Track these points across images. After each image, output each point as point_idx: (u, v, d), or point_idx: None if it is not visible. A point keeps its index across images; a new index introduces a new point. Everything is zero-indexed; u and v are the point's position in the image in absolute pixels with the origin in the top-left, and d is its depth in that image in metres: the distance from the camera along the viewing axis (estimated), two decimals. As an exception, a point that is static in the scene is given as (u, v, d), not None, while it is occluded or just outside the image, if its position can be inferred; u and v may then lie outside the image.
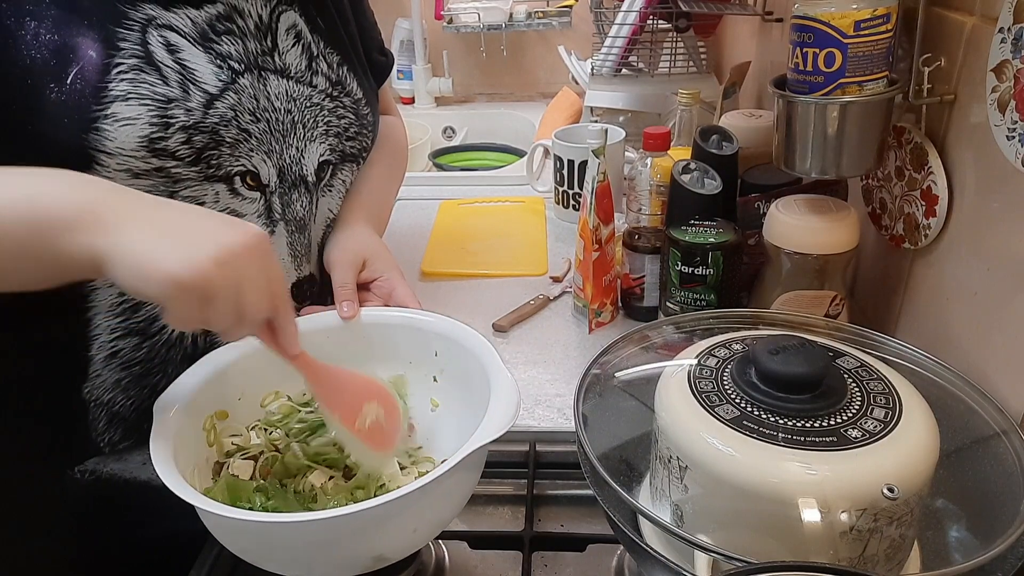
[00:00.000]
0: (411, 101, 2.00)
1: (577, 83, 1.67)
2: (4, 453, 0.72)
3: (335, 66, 0.77)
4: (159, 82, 0.63)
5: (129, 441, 0.74)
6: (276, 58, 0.71)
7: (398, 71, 1.99)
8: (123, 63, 0.61)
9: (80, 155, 0.60)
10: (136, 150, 0.61)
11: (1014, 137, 0.57)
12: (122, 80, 0.61)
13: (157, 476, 0.77)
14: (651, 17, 1.47)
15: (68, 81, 0.59)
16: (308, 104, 0.74)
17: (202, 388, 0.62)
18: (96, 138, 0.60)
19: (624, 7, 1.49)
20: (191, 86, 0.64)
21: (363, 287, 0.76)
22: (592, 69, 1.55)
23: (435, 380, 0.71)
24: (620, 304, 1.00)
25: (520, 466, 0.75)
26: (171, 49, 0.64)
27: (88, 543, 0.78)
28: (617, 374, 0.64)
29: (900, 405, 0.50)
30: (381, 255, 0.78)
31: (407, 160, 1.03)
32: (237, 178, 0.69)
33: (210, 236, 0.50)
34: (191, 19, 0.65)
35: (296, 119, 0.73)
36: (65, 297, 0.60)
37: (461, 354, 0.67)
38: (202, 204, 0.67)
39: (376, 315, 0.72)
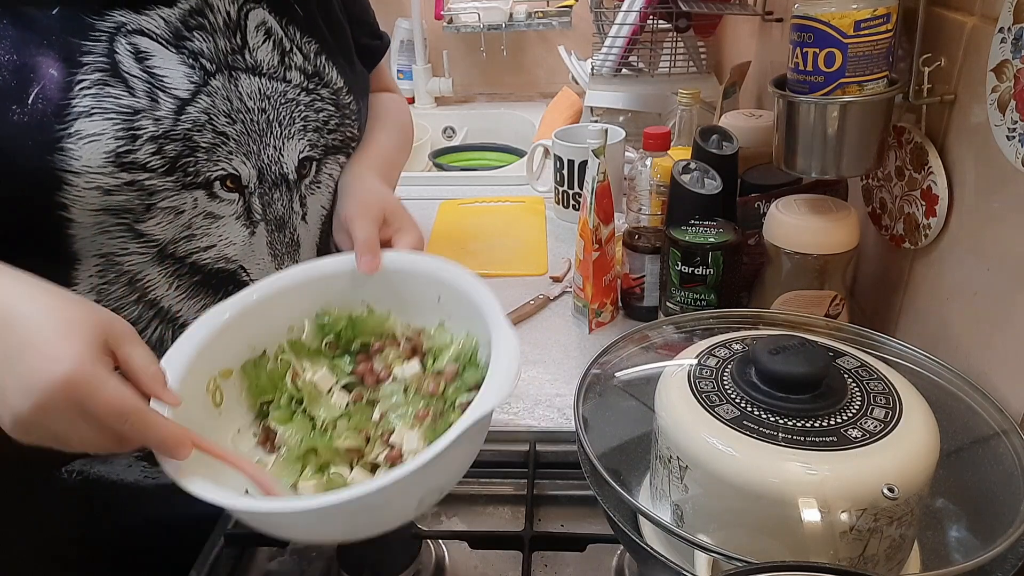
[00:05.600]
0: (411, 101, 2.00)
1: (577, 83, 1.67)
2: None
3: (312, 56, 0.75)
4: (124, 94, 0.61)
5: None
6: (247, 55, 0.70)
7: (398, 71, 2.00)
8: (86, 79, 0.60)
9: (46, 177, 0.59)
10: (103, 166, 0.60)
11: (1014, 137, 0.57)
12: (85, 96, 0.60)
13: (144, 478, 0.76)
14: (651, 17, 1.47)
15: (30, 102, 0.58)
16: (283, 100, 0.72)
17: (200, 352, 0.60)
18: (61, 158, 0.59)
19: (624, 7, 1.49)
20: (160, 93, 0.63)
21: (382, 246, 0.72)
22: (592, 69, 1.55)
23: (442, 326, 0.68)
24: (620, 304, 1.00)
25: (520, 466, 0.75)
26: (140, 57, 0.62)
27: (82, 544, 0.78)
28: (617, 374, 0.64)
29: (900, 405, 0.50)
30: (400, 212, 0.75)
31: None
32: (217, 182, 0.68)
33: (10, 401, 0.47)
34: (163, 19, 0.64)
35: (271, 117, 0.71)
36: None
37: (464, 303, 0.64)
38: (181, 213, 0.66)
39: (385, 258, 0.69)
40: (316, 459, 0.59)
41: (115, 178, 0.61)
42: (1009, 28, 0.57)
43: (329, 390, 0.64)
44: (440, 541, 0.69)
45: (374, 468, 0.59)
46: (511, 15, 1.94)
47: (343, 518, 0.51)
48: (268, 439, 0.62)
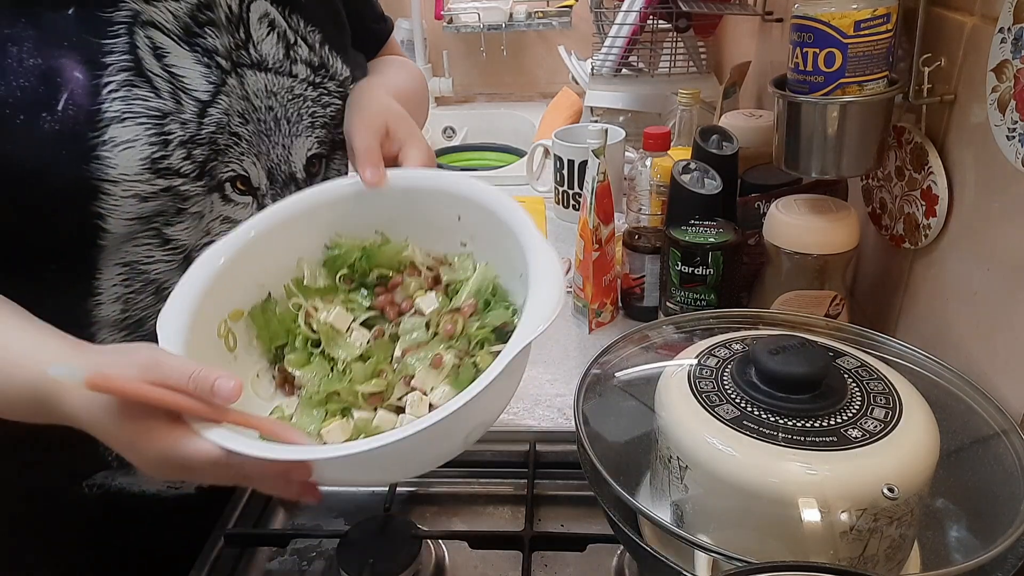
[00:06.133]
0: (411, 101, 2.00)
1: (577, 83, 1.67)
2: (13, 468, 0.72)
3: (317, 47, 0.73)
4: (151, 95, 0.60)
5: None
6: (251, 50, 0.67)
7: (398, 71, 1.99)
8: (112, 80, 0.58)
9: (83, 187, 0.58)
10: (140, 173, 0.59)
11: (1014, 137, 0.57)
12: (115, 100, 0.58)
13: (167, 488, 0.74)
14: (651, 17, 1.47)
15: (60, 108, 0.56)
16: (290, 97, 0.70)
17: (205, 296, 0.56)
18: (98, 167, 0.57)
19: (624, 7, 1.49)
20: (182, 95, 0.62)
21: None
22: (592, 69, 1.55)
23: (464, 246, 0.64)
24: (620, 304, 1.00)
25: (520, 466, 0.75)
26: (159, 54, 0.61)
27: (98, 555, 0.78)
28: (617, 374, 0.64)
29: (900, 405, 0.50)
30: (406, 123, 0.69)
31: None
32: (228, 184, 0.67)
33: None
34: (172, 13, 0.62)
35: (279, 115, 0.70)
36: (68, 313, 0.59)
37: (489, 221, 0.59)
38: (203, 217, 0.66)
39: (394, 176, 0.64)
40: (338, 402, 0.57)
41: (152, 185, 0.60)
42: (1009, 28, 0.57)
43: (347, 328, 0.61)
44: (440, 541, 0.69)
45: (398, 410, 0.57)
46: (511, 15, 1.94)
47: (388, 460, 0.49)
48: (287, 381, 0.60)
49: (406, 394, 0.57)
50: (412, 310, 0.61)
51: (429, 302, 0.61)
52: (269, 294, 0.62)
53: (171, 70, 0.62)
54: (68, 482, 0.73)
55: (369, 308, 0.63)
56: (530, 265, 0.53)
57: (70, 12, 0.57)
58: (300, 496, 0.51)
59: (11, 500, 0.73)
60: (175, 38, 0.62)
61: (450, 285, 0.63)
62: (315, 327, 0.61)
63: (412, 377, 0.57)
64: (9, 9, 0.56)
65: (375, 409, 0.57)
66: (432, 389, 0.57)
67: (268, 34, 0.69)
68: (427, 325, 0.60)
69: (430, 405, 0.56)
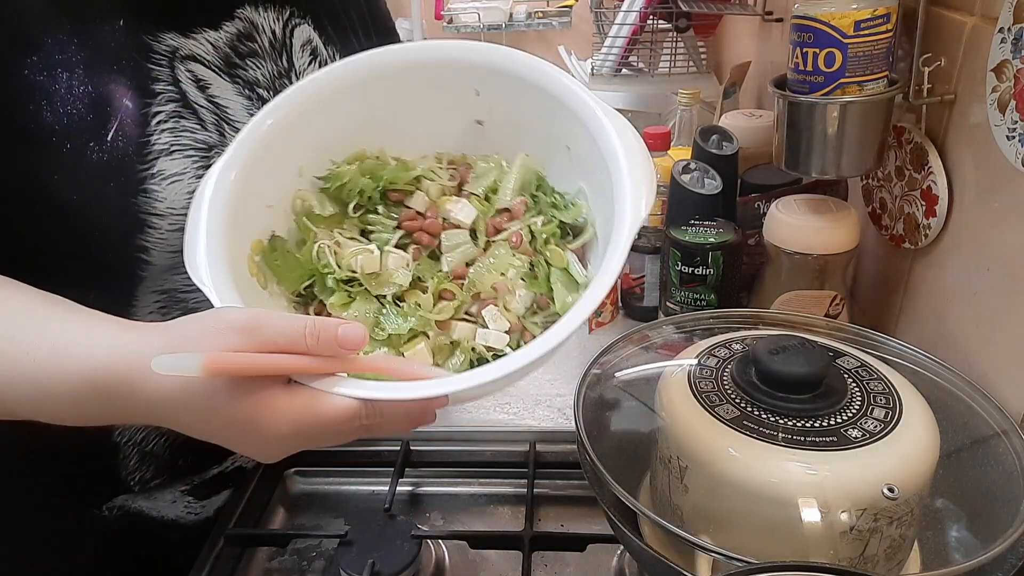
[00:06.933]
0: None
1: (577, 83, 1.67)
2: (31, 492, 0.71)
3: None
4: (198, 127, 0.59)
5: (161, 478, 0.72)
6: (293, 79, 0.66)
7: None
8: (161, 111, 0.57)
9: (129, 221, 0.56)
10: (186, 207, 0.56)
11: (1014, 137, 0.57)
12: (163, 131, 0.57)
13: (187, 514, 0.73)
14: (651, 17, 1.47)
15: (109, 139, 0.54)
16: None
17: (229, 240, 0.51)
18: (145, 200, 0.56)
19: (624, 7, 1.49)
20: (226, 127, 0.60)
21: None
22: (592, 69, 1.55)
23: (480, 124, 0.57)
24: (620, 304, 1.00)
25: (520, 466, 0.75)
26: (201, 85, 0.59)
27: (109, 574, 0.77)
28: (617, 374, 0.64)
29: (900, 405, 0.50)
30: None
31: None
32: None
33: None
34: (212, 44, 0.60)
35: None
36: None
37: (517, 91, 0.52)
38: None
39: (388, 56, 0.55)
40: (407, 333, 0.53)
41: None
42: (1009, 28, 0.57)
43: (382, 256, 0.55)
44: (440, 541, 0.69)
45: (468, 318, 0.54)
46: (511, 15, 1.94)
47: (513, 378, 0.47)
48: (327, 315, 0.55)
49: (474, 305, 0.53)
50: (439, 217, 0.56)
51: (464, 211, 0.55)
52: (273, 233, 0.56)
53: (215, 101, 0.60)
54: (87, 504, 0.72)
55: (396, 228, 0.57)
56: (602, 146, 0.49)
57: (120, 23, 0.56)
58: (423, 424, 0.48)
59: (26, 521, 0.73)
60: (215, 70, 0.61)
61: (486, 191, 0.57)
62: (345, 265, 0.55)
63: (480, 293, 0.53)
64: (61, 31, 0.53)
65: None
66: (517, 300, 0.53)
67: (310, 63, 0.68)
68: (473, 235, 0.55)
69: (506, 309, 0.53)
